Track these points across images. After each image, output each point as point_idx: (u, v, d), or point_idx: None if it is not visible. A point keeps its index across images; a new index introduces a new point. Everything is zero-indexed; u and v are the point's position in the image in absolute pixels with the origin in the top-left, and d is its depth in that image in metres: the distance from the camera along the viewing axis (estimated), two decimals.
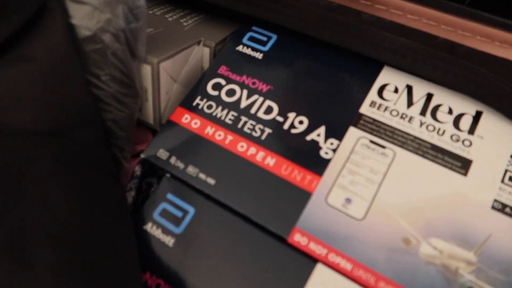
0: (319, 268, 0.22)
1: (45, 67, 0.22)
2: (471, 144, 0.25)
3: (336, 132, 0.26)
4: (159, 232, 0.25)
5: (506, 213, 0.22)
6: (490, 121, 0.26)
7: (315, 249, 0.23)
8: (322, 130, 0.27)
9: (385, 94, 0.28)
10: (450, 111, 0.26)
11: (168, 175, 0.27)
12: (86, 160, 0.22)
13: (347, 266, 0.22)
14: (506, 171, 0.24)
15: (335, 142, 0.26)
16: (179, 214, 0.25)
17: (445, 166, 0.24)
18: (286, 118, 0.27)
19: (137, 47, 0.26)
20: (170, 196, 0.26)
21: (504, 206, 0.23)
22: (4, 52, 0.21)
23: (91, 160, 0.22)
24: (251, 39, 0.31)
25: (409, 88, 0.28)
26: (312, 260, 0.23)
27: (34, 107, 0.21)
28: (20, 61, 0.22)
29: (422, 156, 0.25)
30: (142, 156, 0.27)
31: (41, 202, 0.18)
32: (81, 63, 0.23)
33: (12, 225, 0.17)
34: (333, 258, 0.22)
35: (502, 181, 0.23)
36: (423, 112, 0.27)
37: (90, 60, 0.24)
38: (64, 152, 0.21)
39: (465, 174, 0.24)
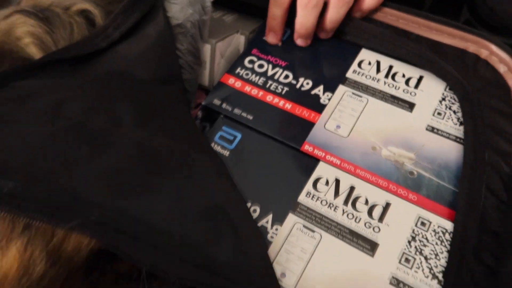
0: (321, 164, 0.36)
1: (156, 42, 0.36)
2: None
3: (331, 88, 0.41)
4: (219, 148, 0.39)
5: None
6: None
7: (318, 153, 0.37)
8: (321, 87, 0.41)
9: (363, 65, 0.42)
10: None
11: (221, 116, 0.41)
12: (181, 99, 0.36)
13: (337, 162, 0.36)
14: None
15: (330, 94, 0.40)
16: (231, 137, 0.39)
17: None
18: (298, 81, 0.42)
19: (204, 32, 0.40)
20: (224, 127, 0.40)
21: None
22: (134, 34, 0.36)
23: (182, 100, 0.37)
24: None
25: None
26: (316, 160, 0.37)
27: (151, 65, 0.35)
28: (143, 39, 0.36)
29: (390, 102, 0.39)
30: (204, 103, 0.41)
31: (169, 112, 0.32)
32: (173, 41, 0.38)
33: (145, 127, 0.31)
34: (328, 158, 0.37)
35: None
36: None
37: (177, 39, 0.38)
38: (172, 92, 0.35)
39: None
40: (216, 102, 0.41)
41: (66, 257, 0.24)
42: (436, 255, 0.31)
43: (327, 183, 0.35)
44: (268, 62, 0.44)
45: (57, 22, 0.36)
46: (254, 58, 0.44)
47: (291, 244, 0.33)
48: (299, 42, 0.44)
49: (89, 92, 0.32)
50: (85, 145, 0.27)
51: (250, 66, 0.44)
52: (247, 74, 0.43)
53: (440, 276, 0.30)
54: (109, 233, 0.22)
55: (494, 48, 0.38)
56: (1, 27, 0.37)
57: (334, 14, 0.41)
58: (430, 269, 0.31)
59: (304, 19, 0.41)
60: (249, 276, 0.27)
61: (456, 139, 0.37)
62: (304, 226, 0.34)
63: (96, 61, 0.35)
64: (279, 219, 0.34)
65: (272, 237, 0.33)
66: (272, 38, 0.44)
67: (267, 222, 0.34)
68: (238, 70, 0.43)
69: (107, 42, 0.35)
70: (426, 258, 0.31)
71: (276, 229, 0.34)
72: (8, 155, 0.24)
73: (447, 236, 0.32)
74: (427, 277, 0.30)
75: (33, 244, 0.23)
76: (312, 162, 0.37)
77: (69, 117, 0.29)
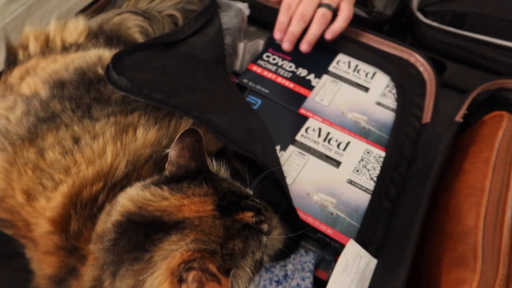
0: (310, 119, 0.59)
1: (213, 38, 0.59)
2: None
3: (318, 76, 0.64)
4: None
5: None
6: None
7: (309, 114, 0.60)
8: (313, 75, 0.64)
9: (340, 63, 0.66)
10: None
11: (248, 89, 0.63)
12: (227, 75, 0.58)
13: (320, 119, 0.59)
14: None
15: (318, 80, 0.64)
16: (254, 102, 0.61)
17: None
18: (297, 70, 0.65)
19: (241, 35, 0.63)
20: (250, 96, 0.62)
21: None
22: (200, 32, 0.58)
23: (228, 76, 0.59)
24: None
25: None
26: (307, 118, 0.59)
27: (210, 52, 0.58)
28: (205, 35, 0.58)
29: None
30: (237, 81, 0.64)
31: (222, 79, 0.54)
32: (223, 38, 0.60)
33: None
34: (315, 117, 0.59)
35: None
36: None
37: (225, 37, 0.61)
38: (223, 69, 0.57)
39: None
40: (245, 81, 0.64)
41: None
42: (374, 168, 0.54)
43: (313, 130, 0.58)
44: (279, 57, 0.67)
45: (155, 20, 0.58)
46: (270, 54, 0.67)
47: (291, 161, 0.55)
48: (286, 45, 0.65)
49: (178, 62, 0.54)
50: (184, 87, 0.49)
51: (267, 59, 0.67)
52: (265, 64, 0.66)
53: (375, 179, 0.53)
54: (205, 123, 0.44)
55: (418, 57, 0.62)
56: (116, 20, 0.59)
57: (316, 29, 0.64)
58: (370, 175, 0.53)
59: (294, 28, 0.64)
60: (270, 165, 0.49)
61: (393, 110, 0.60)
62: (299, 152, 0.56)
63: (176, 46, 0.57)
64: (284, 148, 0.56)
65: (279, 157, 0.55)
66: (278, 35, 0.66)
67: (276, 149, 0.56)
68: (259, 61, 0.66)
69: (184, 36, 0.58)
70: (368, 170, 0.54)
71: (282, 154, 0.56)
72: (150, 85, 0.46)
73: (381, 159, 0.55)
74: (367, 179, 0.53)
75: (161, 130, 0.45)
76: (304, 118, 0.60)
77: (171, 74, 0.51)
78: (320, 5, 0.63)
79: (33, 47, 0.54)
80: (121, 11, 0.59)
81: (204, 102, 0.48)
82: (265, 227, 0.36)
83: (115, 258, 0.32)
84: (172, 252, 0.30)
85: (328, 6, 0.63)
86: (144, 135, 0.44)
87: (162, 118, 0.46)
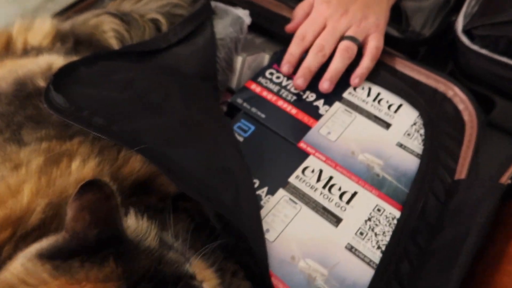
0: (310, 157, 0.47)
1: (202, 48, 0.49)
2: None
3: (329, 103, 0.52)
4: (236, 135, 0.50)
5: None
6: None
7: (309, 150, 0.48)
8: (322, 101, 0.52)
9: (357, 89, 0.53)
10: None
11: (242, 111, 0.52)
12: (212, 93, 0.48)
13: (323, 158, 0.47)
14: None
15: (327, 107, 0.52)
16: (246, 128, 0.51)
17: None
18: (304, 92, 0.53)
19: (238, 47, 0.53)
20: (242, 120, 0.51)
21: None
22: (187, 41, 0.48)
23: (213, 94, 0.49)
24: None
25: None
26: (307, 154, 0.48)
27: (197, 65, 0.48)
28: (193, 45, 0.48)
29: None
30: (229, 100, 0.53)
31: (204, 99, 0.44)
32: (215, 50, 0.50)
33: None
34: (317, 155, 0.47)
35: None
36: None
37: (217, 49, 0.51)
38: (207, 87, 0.47)
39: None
40: (239, 101, 0.53)
41: (121, 177, 0.36)
42: (384, 233, 0.41)
43: (312, 171, 0.46)
44: (283, 75, 0.56)
45: (134, 24, 0.49)
46: (274, 71, 0.56)
47: (277, 210, 0.44)
48: (300, 81, 0.53)
49: (150, 76, 0.44)
50: (146, 108, 0.39)
51: (269, 77, 0.56)
52: (266, 82, 0.55)
53: (383, 248, 0.40)
54: (156, 160, 0.33)
55: (458, 90, 0.49)
56: (92, 22, 0.50)
57: (339, 65, 0.52)
58: (377, 242, 0.41)
59: (311, 62, 0.52)
60: (242, 219, 0.38)
61: (418, 155, 0.47)
62: (290, 199, 0.44)
63: (156, 56, 0.48)
64: (271, 192, 0.45)
65: (264, 203, 0.44)
66: (286, 69, 0.54)
67: (262, 192, 0.45)
68: (260, 78, 0.55)
69: (166, 44, 0.48)
70: (376, 234, 0.41)
71: (268, 198, 0.45)
72: (99, 105, 0.36)
73: (394, 221, 0.42)
74: (373, 247, 0.41)
75: (103, 163, 0.35)
76: (304, 155, 0.48)
77: (136, 90, 0.41)
78: (342, 37, 0.52)
79: None
80: (101, 12, 0.51)
81: (165, 130, 0.38)
82: None
83: None
84: None
85: (353, 39, 0.52)
86: (80, 169, 0.34)
87: (109, 148, 0.36)
